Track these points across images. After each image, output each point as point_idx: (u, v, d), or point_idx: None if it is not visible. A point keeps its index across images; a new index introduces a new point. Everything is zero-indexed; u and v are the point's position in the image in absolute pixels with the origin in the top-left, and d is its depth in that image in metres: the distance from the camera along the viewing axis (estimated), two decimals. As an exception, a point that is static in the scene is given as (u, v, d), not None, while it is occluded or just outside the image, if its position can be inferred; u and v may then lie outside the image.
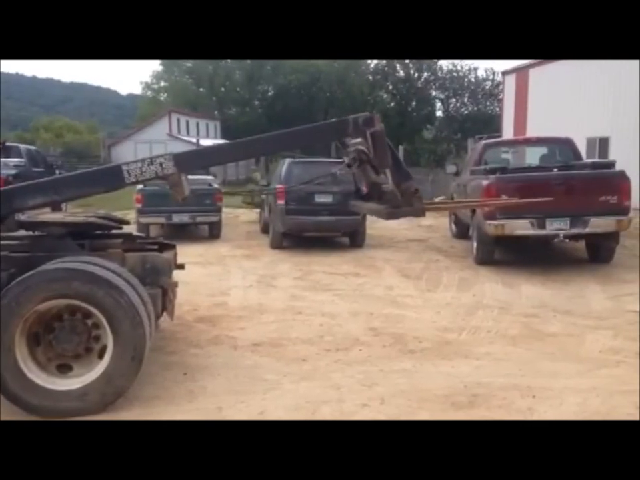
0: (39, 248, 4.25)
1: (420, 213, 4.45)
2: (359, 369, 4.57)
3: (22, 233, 4.83)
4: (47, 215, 4.89)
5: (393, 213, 4.41)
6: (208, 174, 12.64)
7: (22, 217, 4.70)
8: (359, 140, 4.21)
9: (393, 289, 7.47)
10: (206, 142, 29.60)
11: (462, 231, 10.88)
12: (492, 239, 8.34)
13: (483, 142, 11.22)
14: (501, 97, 27.39)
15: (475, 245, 8.83)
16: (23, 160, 14.17)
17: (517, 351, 5.02)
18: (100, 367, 3.66)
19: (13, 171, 12.76)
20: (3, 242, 4.40)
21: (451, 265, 8.83)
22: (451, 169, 11.63)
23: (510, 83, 23.67)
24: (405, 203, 4.32)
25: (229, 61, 44.99)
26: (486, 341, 5.31)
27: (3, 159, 13.59)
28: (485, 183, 8.26)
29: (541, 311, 6.29)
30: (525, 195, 7.89)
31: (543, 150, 10.64)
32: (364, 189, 4.57)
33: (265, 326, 5.79)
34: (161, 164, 4.14)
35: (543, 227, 7.94)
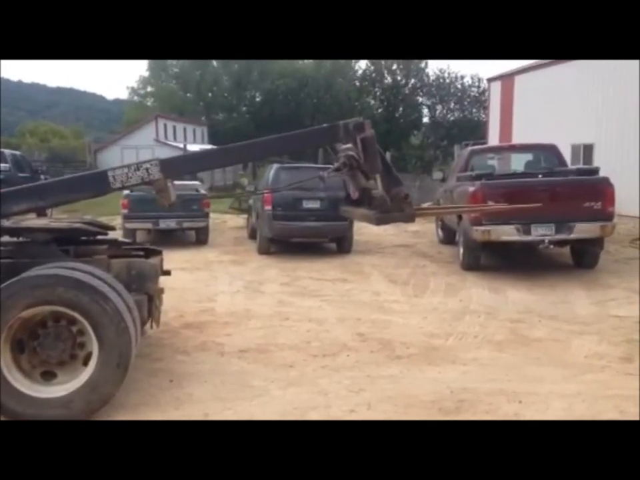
0: (23, 254, 4.21)
1: (410, 219, 4.47)
2: (346, 375, 4.57)
3: (6, 239, 4.79)
4: (31, 221, 4.85)
5: (382, 219, 4.41)
6: (195, 179, 12.61)
7: (6, 222, 4.67)
8: (349, 145, 4.21)
9: (380, 294, 7.48)
10: (193, 147, 29.47)
11: (448, 237, 10.93)
12: (478, 245, 8.39)
13: (469, 148, 11.29)
14: (486, 103, 27.60)
15: (461, 250, 8.87)
16: (7, 165, 14.05)
17: (503, 357, 5.05)
18: (85, 374, 3.63)
19: (-2, 176, 12.63)
20: (-14, 248, 4.36)
21: (437, 271, 8.87)
22: (437, 175, 11.70)
23: (495, 90, 23.88)
24: (395, 209, 4.33)
25: (216, 65, 45.06)
26: (472, 346, 5.33)
27: (-13, 164, 13.48)
28: (471, 189, 8.31)
29: (526, 316, 6.33)
30: (511, 200, 7.94)
31: (528, 156, 10.74)
32: (354, 195, 4.57)
33: (252, 332, 5.77)
34: (147, 169, 4.13)
35: (528, 232, 8.00)
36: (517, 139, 20.07)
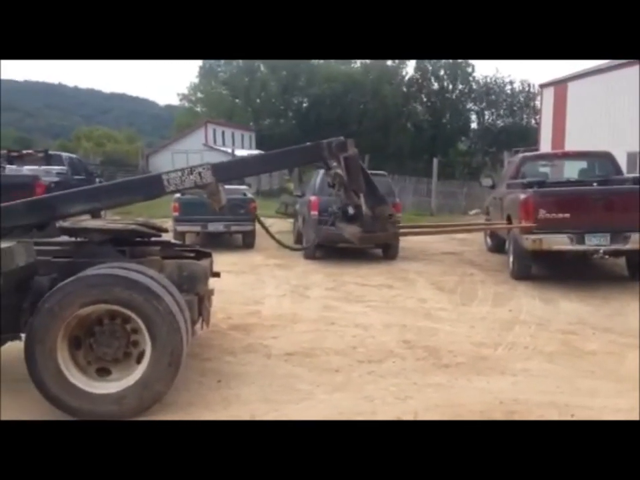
0: (81, 254, 4.35)
1: (393, 238, 4.49)
2: (393, 382, 4.54)
3: (64, 239, 4.97)
4: (88, 222, 5.01)
5: (364, 238, 4.47)
6: (242, 184, 12.79)
7: (64, 223, 4.85)
8: (336, 164, 4.26)
9: (426, 301, 7.41)
10: (241, 152, 29.91)
11: (497, 245, 10.74)
12: (529, 254, 8.20)
13: (521, 155, 11.08)
14: (538, 109, 27.04)
15: (511, 259, 8.70)
16: (65, 168, 14.55)
17: (554, 368, 4.92)
18: (138, 372, 3.72)
19: (55, 179, 13.10)
20: (45, 247, 4.53)
21: (486, 279, 8.72)
22: (486, 182, 11.52)
23: (548, 96, 23.39)
24: (378, 228, 4.37)
25: (264, 71, 45.60)
26: (522, 357, 5.22)
27: (45, 167, 14.00)
28: (522, 196, 8.15)
29: (579, 327, 6.16)
30: (564, 209, 7.78)
31: (582, 164, 10.46)
32: (350, 211, 4.55)
33: (298, 335, 5.80)
34: (199, 173, 4.22)
35: (582, 242, 7.78)
36: (570, 145, 19.59)
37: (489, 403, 4.09)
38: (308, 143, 4.63)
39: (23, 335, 3.84)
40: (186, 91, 51.47)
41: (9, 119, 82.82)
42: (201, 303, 4.46)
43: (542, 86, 24.63)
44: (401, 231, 5.20)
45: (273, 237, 4.86)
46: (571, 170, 10.69)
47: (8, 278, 3.76)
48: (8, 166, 14.17)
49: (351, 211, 4.48)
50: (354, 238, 4.51)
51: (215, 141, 38.47)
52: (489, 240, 11.42)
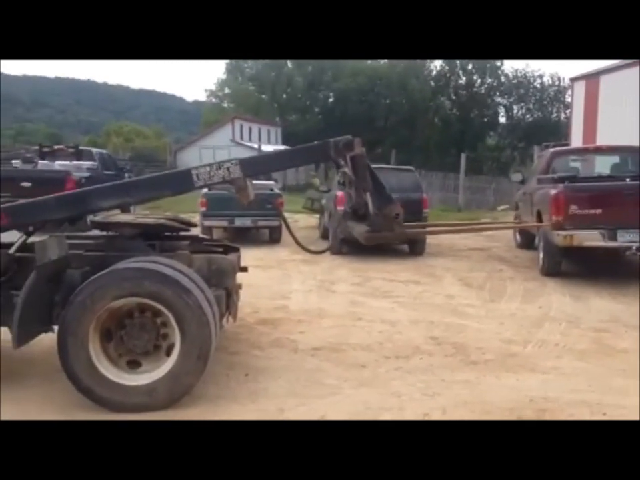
0: (112, 248, 4.41)
1: (400, 238, 4.48)
2: (420, 378, 4.51)
3: (95, 232, 5.06)
4: (119, 216, 5.08)
5: (370, 237, 4.46)
6: (270, 179, 12.83)
7: (95, 217, 4.93)
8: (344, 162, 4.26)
9: (454, 297, 7.35)
10: (267, 148, 30.03)
11: (527, 241, 10.59)
12: (560, 250, 8.07)
13: (551, 149, 10.88)
14: (568, 103, 26.55)
15: (541, 255, 8.57)
16: (95, 163, 14.80)
17: (585, 366, 4.83)
18: (167, 365, 3.75)
19: (86, 174, 13.33)
20: (77, 241, 4.61)
21: (515, 275, 8.61)
22: (516, 177, 11.36)
23: (579, 90, 22.92)
24: (385, 228, 4.36)
25: (290, 66, 45.63)
26: (553, 354, 5.14)
27: (76, 162, 14.25)
28: (553, 191, 8.01)
29: (611, 325, 6.04)
30: (596, 205, 7.63)
31: (614, 159, 10.23)
32: (360, 210, 4.53)
33: (324, 330, 5.80)
34: (228, 168, 4.24)
35: (614, 238, 7.62)
36: (602, 140, 19.16)
37: (519, 400, 4.04)
38: (315, 142, 4.63)
39: (55, 328, 3.91)
40: (213, 87, 51.86)
41: (39, 115, 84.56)
42: (229, 298, 4.49)
43: (573, 79, 24.15)
44: (408, 230, 5.19)
45: (295, 238, 4.86)
46: (603, 165, 10.46)
47: (41, 271, 3.83)
48: (40, 161, 14.47)
49: (361, 210, 4.49)
50: (360, 237, 4.52)
51: (241, 137, 38.68)
52: (518, 236, 11.27)
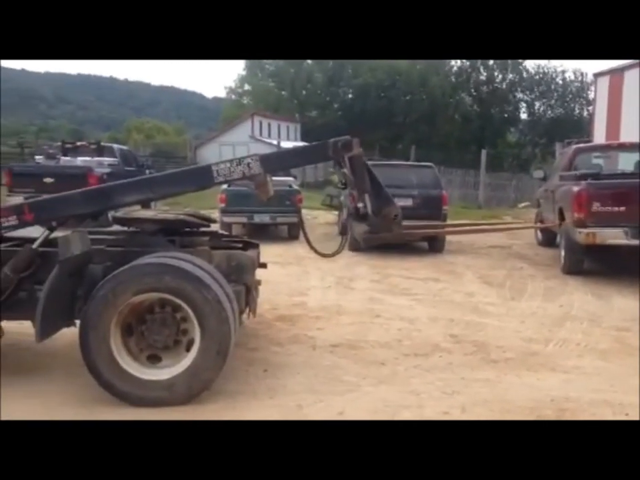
0: (133, 243, 4.45)
1: (398, 239, 4.50)
2: (439, 376, 4.49)
3: (116, 228, 5.10)
4: (140, 212, 5.12)
5: (369, 239, 4.51)
6: (289, 175, 12.84)
7: (117, 213, 4.97)
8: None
9: (474, 295, 7.29)
10: (286, 144, 30.04)
11: (548, 238, 10.48)
12: (582, 248, 7.97)
13: (574, 146, 10.74)
14: (591, 99, 26.14)
15: (562, 253, 8.47)
16: (116, 159, 14.93)
17: (607, 366, 4.77)
18: (187, 360, 3.78)
19: (108, 170, 13.47)
20: (99, 236, 4.65)
21: (536, 274, 8.52)
22: (538, 173, 11.25)
23: (602, 86, 22.56)
24: (383, 229, 4.37)
25: (310, 63, 45.59)
26: (574, 354, 5.08)
27: (98, 158, 14.40)
28: (575, 188, 7.92)
29: (633, 324, 5.94)
30: (619, 202, 7.52)
31: (638, 156, 10.05)
32: (362, 210, 4.53)
33: (343, 327, 5.80)
34: (248, 164, 4.24)
35: (637, 236, 7.50)
36: (626, 137, 18.84)
37: (540, 399, 4.00)
38: (315, 142, 4.63)
39: (77, 322, 3.96)
40: (233, 84, 52.00)
41: (62, 112, 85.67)
42: (248, 293, 4.51)
43: (596, 75, 23.77)
44: (406, 231, 5.19)
45: (307, 238, 4.85)
46: (627, 162, 10.29)
47: (64, 266, 3.88)
48: (62, 157, 14.65)
49: (362, 210, 4.49)
50: (359, 237, 4.53)
51: (260, 133, 38.76)
52: (539, 233, 11.15)
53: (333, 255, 4.83)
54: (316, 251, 4.78)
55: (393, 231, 4.46)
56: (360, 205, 4.46)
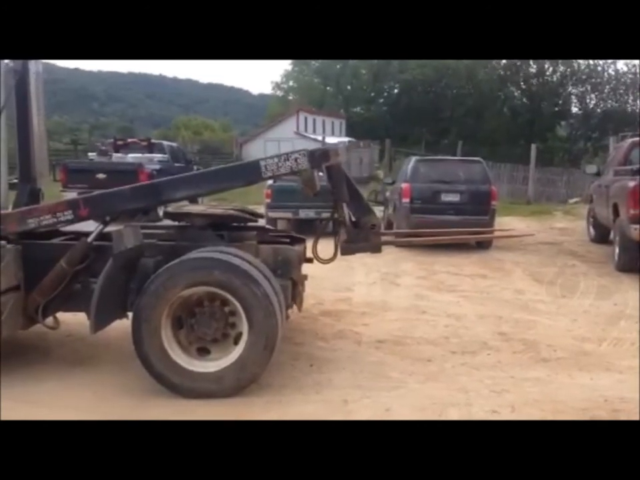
0: (184, 237, 4.54)
1: (375, 249, 4.50)
2: (488, 374, 4.41)
3: (167, 223, 5.22)
4: (190, 207, 5.22)
5: (347, 248, 4.54)
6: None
7: (168, 208, 5.08)
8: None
9: (523, 293, 7.14)
10: (331, 140, 30.08)
11: (601, 235, 10.16)
12: (637, 245, 7.69)
13: (629, 140, 10.37)
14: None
15: (617, 250, 8.20)
16: (166, 156, 15.26)
17: (664, 367, 4.60)
18: (235, 353, 3.83)
19: (157, 166, 13.78)
20: (150, 231, 4.76)
21: (588, 271, 8.27)
22: (591, 169, 10.94)
23: (660, 76, 21.66)
24: (361, 238, 4.42)
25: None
26: (629, 353, 4.91)
27: (148, 155, 14.74)
28: (631, 184, 7.66)
29: (692, 325, 5.71)
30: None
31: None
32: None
33: (388, 323, 5.77)
34: (296, 159, 4.27)
35: (697, 233, 7.20)
36: (684, 129, 18.07)
37: (593, 400, 3.88)
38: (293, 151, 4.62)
39: (130, 314, 4.07)
40: (279, 80, 52.34)
41: (113, 110, 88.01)
42: (294, 288, 4.54)
43: (653, 65, 22.93)
44: (384, 239, 5.24)
45: (315, 242, 4.86)
46: (686, 156, 9.88)
47: (117, 259, 3.98)
48: (114, 154, 15.07)
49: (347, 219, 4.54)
50: (339, 247, 4.62)
51: (305, 129, 38.89)
52: (592, 230, 10.83)
53: (328, 261, 4.87)
54: (315, 256, 4.86)
55: (370, 241, 4.50)
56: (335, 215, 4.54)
